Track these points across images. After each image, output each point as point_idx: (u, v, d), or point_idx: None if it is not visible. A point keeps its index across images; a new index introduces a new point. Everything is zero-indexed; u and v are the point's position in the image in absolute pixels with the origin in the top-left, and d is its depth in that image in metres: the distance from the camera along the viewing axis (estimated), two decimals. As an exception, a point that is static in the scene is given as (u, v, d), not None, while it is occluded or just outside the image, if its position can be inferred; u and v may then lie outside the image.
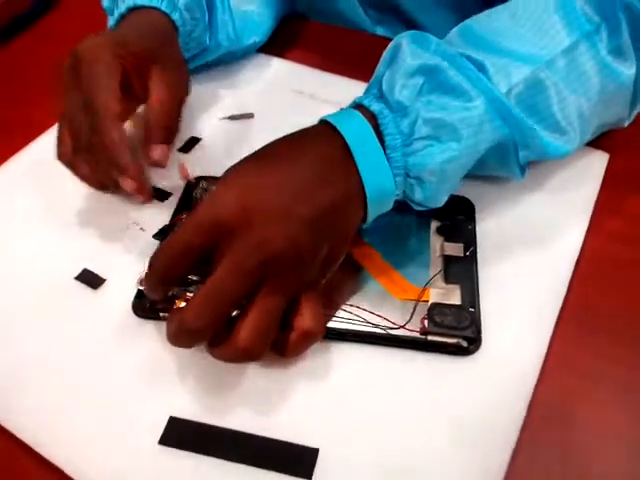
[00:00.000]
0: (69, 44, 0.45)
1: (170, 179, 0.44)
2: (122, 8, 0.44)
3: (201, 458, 0.31)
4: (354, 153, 0.32)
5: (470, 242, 0.38)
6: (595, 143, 0.43)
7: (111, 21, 0.45)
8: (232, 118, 0.49)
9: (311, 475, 0.30)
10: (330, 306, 0.34)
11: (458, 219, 0.39)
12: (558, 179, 0.42)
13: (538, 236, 0.39)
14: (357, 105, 0.35)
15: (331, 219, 0.31)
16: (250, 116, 0.49)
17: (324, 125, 0.34)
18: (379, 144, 0.33)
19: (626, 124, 0.42)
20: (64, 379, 0.34)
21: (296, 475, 0.30)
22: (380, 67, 0.36)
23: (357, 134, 0.33)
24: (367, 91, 0.36)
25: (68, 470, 0.31)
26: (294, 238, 0.29)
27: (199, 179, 0.43)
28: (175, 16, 0.45)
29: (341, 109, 0.35)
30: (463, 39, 0.37)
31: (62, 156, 0.39)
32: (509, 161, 0.37)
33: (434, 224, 0.39)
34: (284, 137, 0.34)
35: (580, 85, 0.36)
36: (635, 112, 0.41)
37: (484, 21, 0.37)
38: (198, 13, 0.47)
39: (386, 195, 0.34)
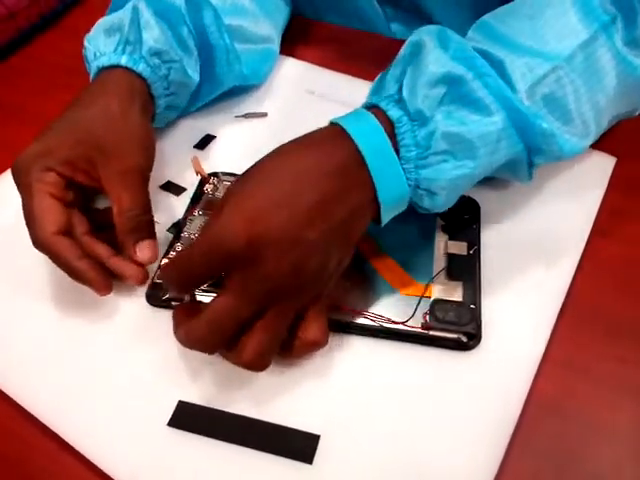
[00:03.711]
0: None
1: (184, 174, 0.45)
2: (92, 74, 0.43)
3: (207, 440, 0.32)
4: (369, 164, 0.31)
5: (474, 241, 0.38)
6: (602, 146, 0.44)
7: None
8: (246, 116, 0.50)
9: (312, 460, 0.31)
10: (336, 300, 0.35)
11: (463, 218, 0.40)
12: (564, 181, 0.42)
13: (542, 237, 0.40)
14: (372, 106, 0.33)
15: (342, 233, 0.31)
16: (264, 115, 0.50)
17: (336, 128, 0.32)
18: (396, 156, 0.32)
19: (637, 113, 0.41)
20: (80, 364, 0.36)
21: (298, 459, 0.31)
22: (398, 64, 0.34)
23: (372, 143, 0.31)
24: (381, 89, 0.34)
25: (81, 449, 0.32)
26: (302, 265, 0.30)
27: (212, 175, 0.44)
28: (139, 68, 0.41)
29: (355, 110, 0.34)
30: (482, 35, 0.36)
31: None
32: (519, 170, 0.37)
33: (439, 223, 0.40)
34: (293, 143, 0.33)
35: (597, 81, 0.35)
36: None
37: (501, 17, 0.36)
38: (174, 53, 0.43)
39: (401, 201, 0.33)
